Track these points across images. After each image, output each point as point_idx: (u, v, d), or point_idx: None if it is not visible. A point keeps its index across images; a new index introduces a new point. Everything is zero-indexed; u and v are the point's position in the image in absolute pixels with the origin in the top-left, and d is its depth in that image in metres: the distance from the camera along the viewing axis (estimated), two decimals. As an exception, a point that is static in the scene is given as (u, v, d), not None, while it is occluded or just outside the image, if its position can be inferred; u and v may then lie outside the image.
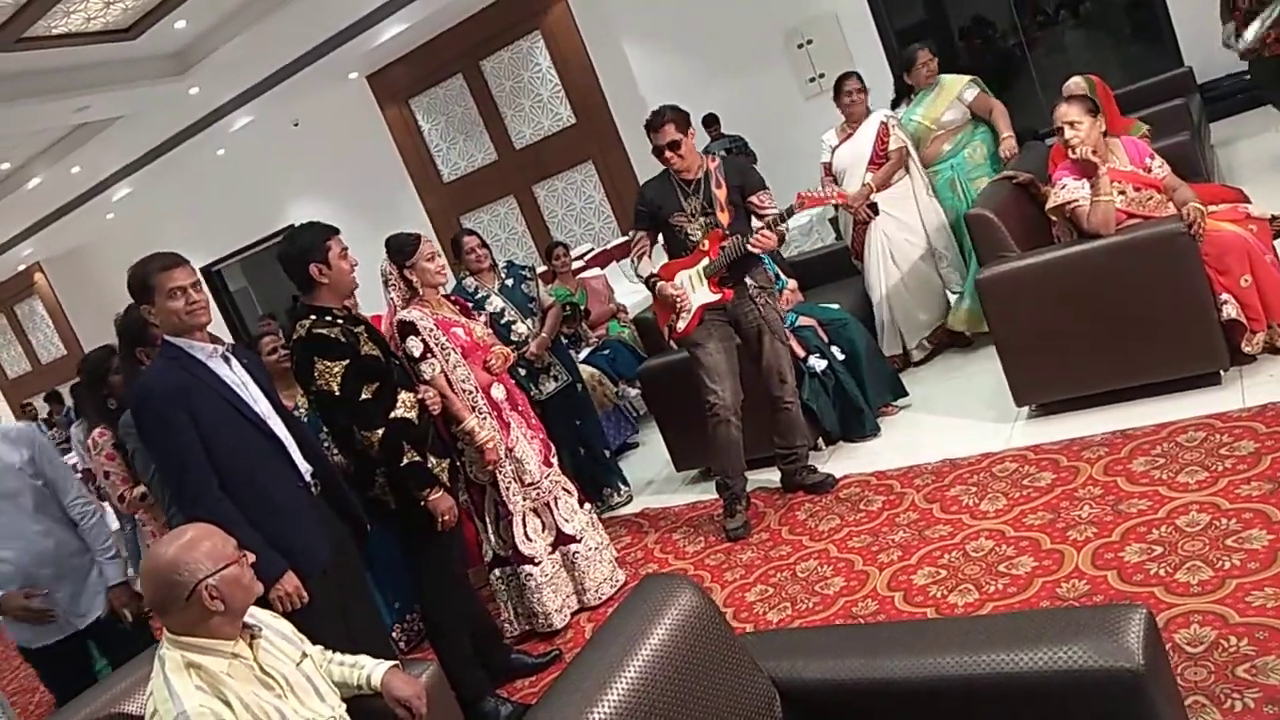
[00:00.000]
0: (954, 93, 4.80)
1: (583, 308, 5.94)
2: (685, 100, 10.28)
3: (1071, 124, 3.53)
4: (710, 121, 8.78)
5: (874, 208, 4.66)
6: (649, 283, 3.78)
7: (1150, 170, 3.54)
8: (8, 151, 10.15)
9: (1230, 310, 3.29)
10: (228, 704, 1.77)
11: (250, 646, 1.90)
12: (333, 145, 11.78)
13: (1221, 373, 3.37)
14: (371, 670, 2.11)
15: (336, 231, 3.09)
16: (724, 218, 3.65)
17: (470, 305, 4.08)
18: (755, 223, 3.74)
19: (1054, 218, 3.60)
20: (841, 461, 4.00)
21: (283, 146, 11.97)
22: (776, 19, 9.07)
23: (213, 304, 13.72)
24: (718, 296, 3.70)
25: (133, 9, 7.88)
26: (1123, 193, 3.47)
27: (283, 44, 9.28)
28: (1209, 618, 2.25)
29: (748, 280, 3.72)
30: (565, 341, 5.60)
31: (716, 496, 3.95)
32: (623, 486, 4.67)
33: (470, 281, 4.50)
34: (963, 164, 4.78)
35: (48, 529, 3.10)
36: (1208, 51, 7.12)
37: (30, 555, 3.05)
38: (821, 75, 9.07)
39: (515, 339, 4.34)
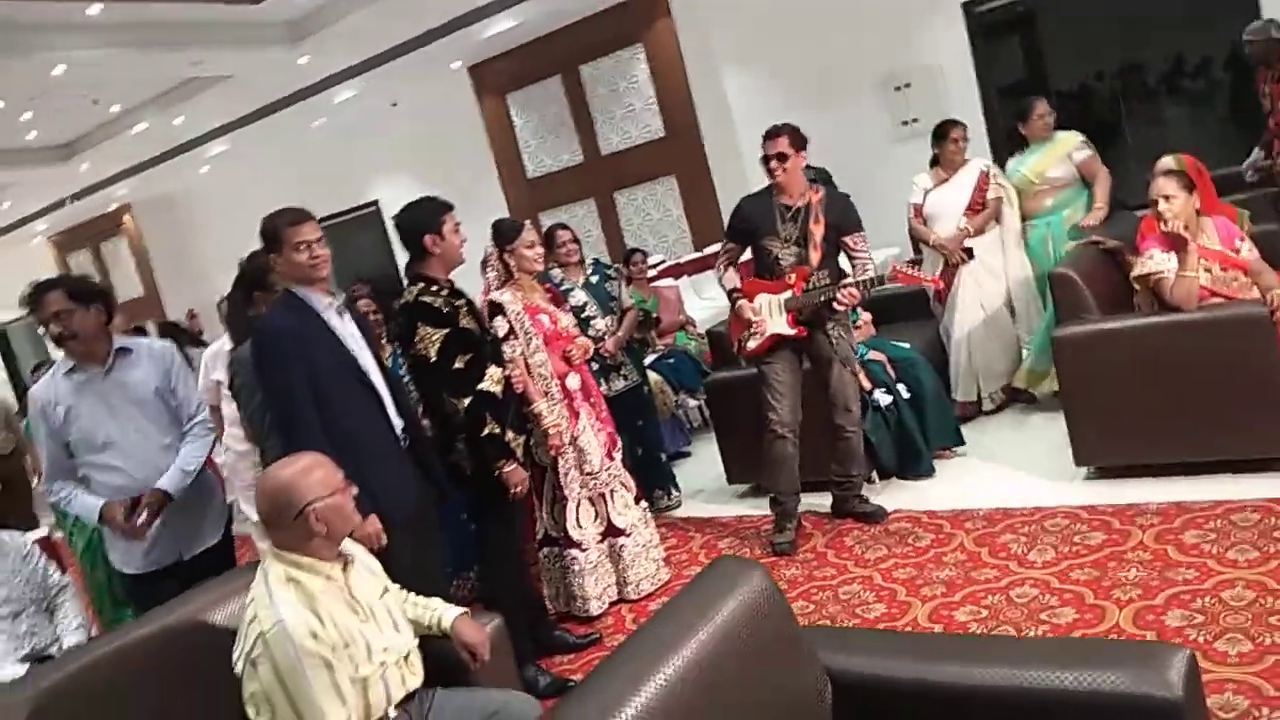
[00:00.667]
0: (1065, 150, 4.88)
1: (654, 315, 6.08)
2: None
3: (1166, 198, 3.60)
4: (799, 150, 8.91)
5: (969, 252, 4.73)
6: (731, 295, 3.90)
7: (1239, 252, 3.60)
8: (121, 94, 10.59)
9: (1301, 399, 3.33)
10: (320, 620, 1.92)
11: (344, 572, 2.06)
12: (427, 129, 12.11)
13: (1283, 459, 3.41)
14: (444, 613, 2.26)
15: (451, 208, 3.27)
16: (815, 256, 3.76)
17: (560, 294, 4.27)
18: (847, 271, 3.85)
19: (1137, 286, 3.66)
20: (894, 496, 4.09)
21: (379, 124, 12.33)
22: (877, 61, 9.17)
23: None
24: (793, 332, 3.80)
25: (261, -25, 8.24)
26: (1208, 270, 3.53)
27: (395, 26, 9.59)
28: (1244, 687, 2.31)
29: (826, 317, 3.81)
30: (635, 345, 5.76)
31: (764, 513, 4.06)
32: (674, 490, 4.80)
33: (557, 273, 4.68)
34: (1060, 223, 4.82)
35: (174, 445, 3.18)
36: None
37: (151, 468, 3.10)
38: (915, 120, 9.13)
39: (593, 333, 4.49)
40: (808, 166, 9.08)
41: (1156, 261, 3.57)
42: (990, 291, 4.73)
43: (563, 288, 4.60)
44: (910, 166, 5.27)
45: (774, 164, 3.76)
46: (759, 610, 1.65)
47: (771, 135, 3.78)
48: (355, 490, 2.09)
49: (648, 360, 5.81)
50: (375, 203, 13.20)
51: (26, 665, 2.90)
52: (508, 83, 11.40)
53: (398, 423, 2.80)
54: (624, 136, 10.83)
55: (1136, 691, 1.41)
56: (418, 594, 2.37)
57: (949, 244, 4.67)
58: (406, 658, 2.09)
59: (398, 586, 2.29)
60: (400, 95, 11.73)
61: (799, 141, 3.78)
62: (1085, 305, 3.68)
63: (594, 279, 4.71)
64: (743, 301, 3.84)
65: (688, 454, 5.56)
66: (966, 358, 4.78)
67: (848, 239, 3.81)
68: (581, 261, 4.76)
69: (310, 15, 9.47)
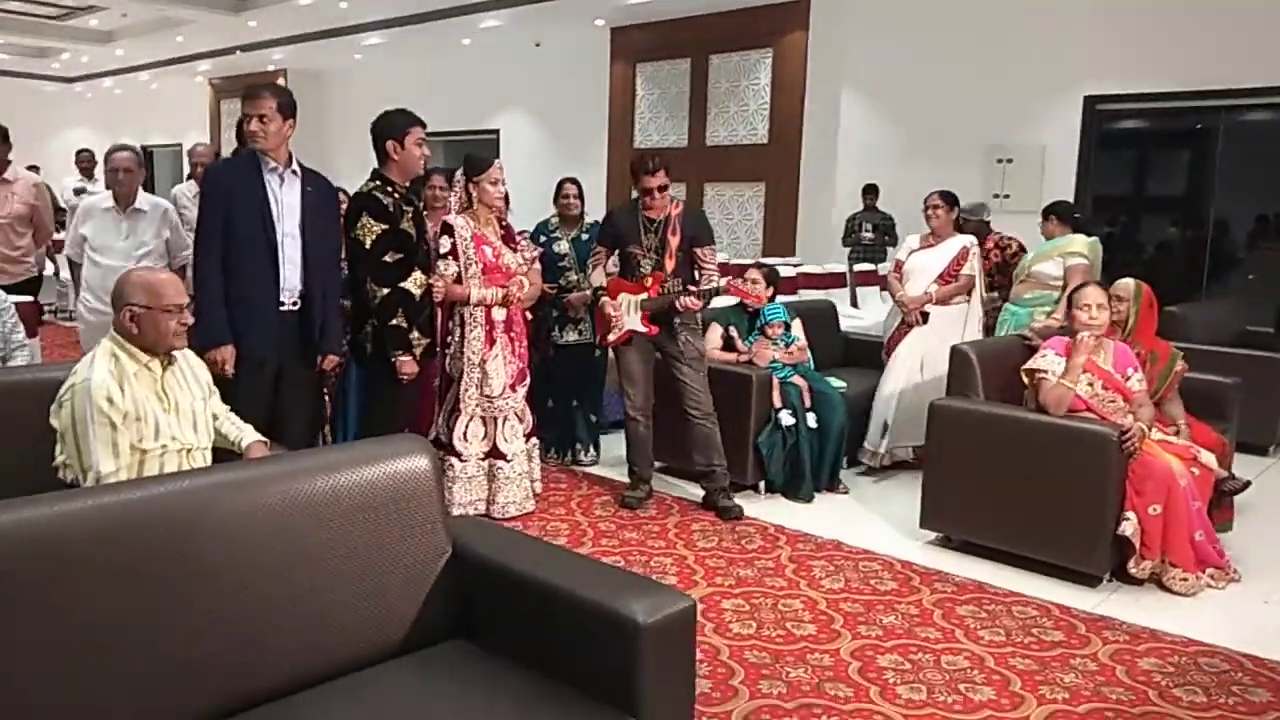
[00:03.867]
0: (1062, 251, 5.07)
1: (652, 295, 6.42)
2: (872, 164, 10.52)
3: (1097, 306, 3.74)
4: (869, 191, 9.10)
5: (924, 316, 4.96)
6: (595, 292, 4.36)
7: (1128, 380, 3.73)
8: (295, -32, 11.42)
9: (1128, 528, 3.48)
10: (121, 391, 2.37)
11: (163, 368, 2.50)
12: (558, 74, 12.67)
13: (1101, 579, 3.56)
14: (245, 435, 2.69)
15: (422, 124, 3.70)
16: (669, 264, 4.19)
17: (528, 239, 4.69)
18: (696, 278, 4.23)
19: (1025, 380, 3.84)
20: (763, 507, 4.37)
21: (517, 57, 12.93)
22: (988, 130, 9.21)
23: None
24: (645, 330, 4.24)
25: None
26: (1090, 385, 3.68)
27: (551, -30, 10.12)
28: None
29: (675, 320, 4.21)
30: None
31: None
32: (593, 450, 5.15)
33: (554, 221, 5.10)
34: (1024, 321, 4.97)
35: None
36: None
37: None
38: (1007, 196, 9.18)
39: (563, 282, 4.93)
40: (876, 209, 9.21)
41: (1046, 361, 3.75)
42: (934, 358, 4.89)
43: (553, 234, 5.03)
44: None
45: (656, 195, 4.14)
46: (405, 479, 2.03)
47: (650, 170, 4.14)
48: (189, 320, 2.51)
49: (632, 331, 6.18)
50: (496, 131, 13.83)
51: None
52: (641, 52, 11.82)
53: (292, 284, 3.26)
54: (730, 133, 11.13)
55: (623, 611, 1.75)
56: (270, 433, 2.83)
57: (909, 303, 4.90)
58: (189, 452, 2.52)
59: (226, 408, 2.73)
60: (544, 37, 12.29)
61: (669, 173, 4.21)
62: (973, 384, 3.87)
63: (584, 237, 5.08)
64: (605, 299, 4.31)
65: (630, 425, 5.90)
66: (894, 413, 4.95)
67: (699, 250, 4.25)
68: (580, 218, 5.15)
69: (476, -60, 10.06)
